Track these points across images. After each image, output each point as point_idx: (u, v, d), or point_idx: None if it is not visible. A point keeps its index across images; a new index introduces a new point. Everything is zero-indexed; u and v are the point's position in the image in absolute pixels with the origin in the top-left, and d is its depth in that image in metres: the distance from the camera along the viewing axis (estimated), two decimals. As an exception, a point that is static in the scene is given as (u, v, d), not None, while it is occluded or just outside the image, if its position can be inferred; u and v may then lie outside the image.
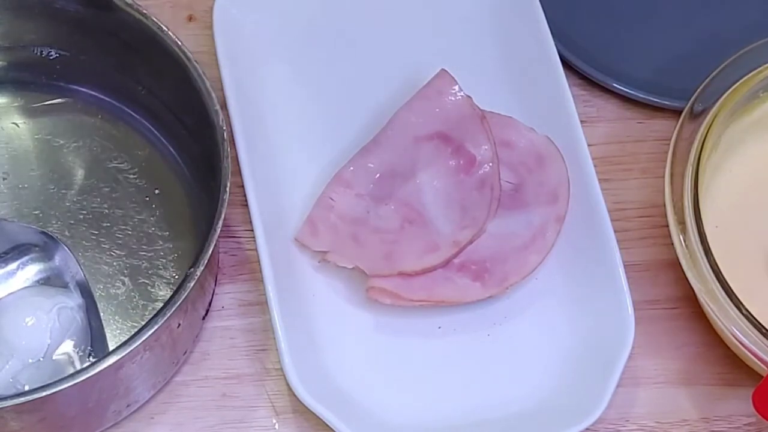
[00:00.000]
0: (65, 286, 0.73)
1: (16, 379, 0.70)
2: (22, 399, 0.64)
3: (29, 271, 0.74)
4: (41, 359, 0.71)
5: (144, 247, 0.77)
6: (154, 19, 0.74)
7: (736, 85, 0.77)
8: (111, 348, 0.71)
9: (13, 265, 0.74)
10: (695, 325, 0.78)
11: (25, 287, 0.73)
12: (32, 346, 0.70)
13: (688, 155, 0.75)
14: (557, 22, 0.83)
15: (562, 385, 0.75)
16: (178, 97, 0.75)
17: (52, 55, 0.79)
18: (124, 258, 0.77)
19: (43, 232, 0.74)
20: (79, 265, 0.74)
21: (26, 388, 0.69)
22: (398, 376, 0.75)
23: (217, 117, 0.71)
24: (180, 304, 0.67)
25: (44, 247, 0.74)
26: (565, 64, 0.83)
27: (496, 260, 0.77)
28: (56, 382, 0.65)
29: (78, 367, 0.71)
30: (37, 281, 0.74)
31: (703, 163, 0.75)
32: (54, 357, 0.71)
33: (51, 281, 0.74)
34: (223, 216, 0.69)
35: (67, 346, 0.71)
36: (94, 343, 0.73)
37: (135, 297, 0.76)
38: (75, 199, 0.78)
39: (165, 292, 0.76)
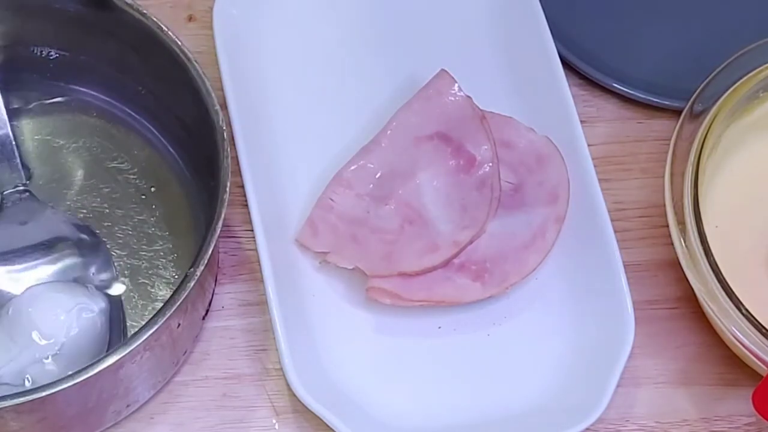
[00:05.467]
0: (96, 286, 0.73)
1: (24, 370, 0.70)
2: (22, 399, 0.64)
3: (62, 266, 0.74)
4: (53, 356, 0.70)
5: (144, 247, 0.77)
6: (154, 19, 0.74)
7: (736, 85, 0.77)
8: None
9: (47, 259, 0.74)
10: (695, 325, 0.78)
11: (51, 282, 0.73)
12: (46, 341, 0.70)
13: (688, 155, 0.75)
14: (557, 22, 0.84)
15: (562, 385, 0.75)
16: (178, 97, 0.75)
17: (51, 55, 0.79)
18: (124, 258, 0.77)
19: (87, 227, 0.74)
20: (115, 269, 0.74)
21: (31, 382, 0.69)
22: (398, 376, 0.75)
23: (217, 117, 0.71)
24: (180, 304, 0.67)
25: (82, 244, 0.74)
26: (565, 64, 0.83)
27: (496, 260, 0.77)
28: (56, 382, 0.65)
29: None
30: (68, 278, 0.74)
31: (703, 163, 0.75)
32: (66, 356, 0.71)
33: (82, 280, 0.74)
34: (223, 216, 0.69)
35: (82, 349, 0.71)
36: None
37: (135, 297, 0.76)
38: (75, 199, 0.78)
39: (165, 292, 0.76)
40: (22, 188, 0.76)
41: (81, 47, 0.78)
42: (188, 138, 0.77)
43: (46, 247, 0.74)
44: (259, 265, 0.75)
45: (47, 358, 0.70)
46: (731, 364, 0.77)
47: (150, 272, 0.77)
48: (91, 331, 0.71)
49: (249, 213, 0.76)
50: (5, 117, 0.77)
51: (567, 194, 0.78)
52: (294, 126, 0.82)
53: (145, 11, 0.74)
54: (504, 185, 0.79)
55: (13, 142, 0.77)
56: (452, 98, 0.80)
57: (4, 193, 0.76)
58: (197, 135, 0.74)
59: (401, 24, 0.85)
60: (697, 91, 0.77)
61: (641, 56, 0.86)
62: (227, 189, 0.70)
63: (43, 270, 0.74)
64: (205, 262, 0.68)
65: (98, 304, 0.72)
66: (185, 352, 0.75)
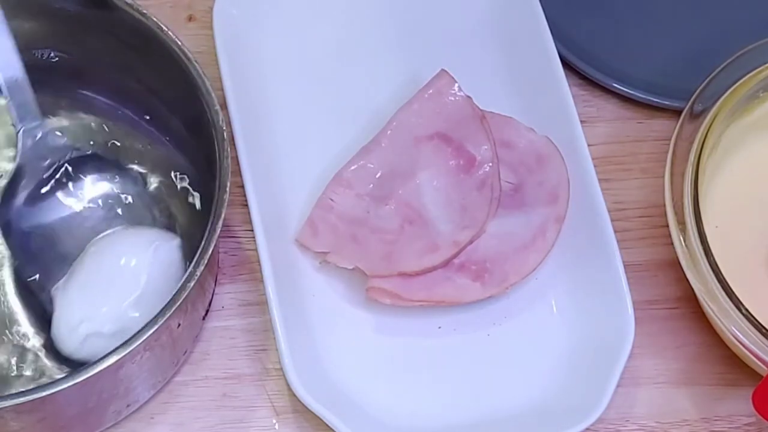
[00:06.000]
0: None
1: (115, 314, 0.71)
2: (22, 399, 0.64)
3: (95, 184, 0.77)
4: (140, 295, 0.71)
5: (144, 247, 0.77)
6: (154, 19, 0.74)
7: (736, 85, 0.77)
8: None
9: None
10: (695, 325, 0.78)
11: (122, 228, 0.75)
12: (129, 284, 0.71)
13: (688, 155, 0.75)
14: (557, 22, 0.84)
15: (562, 385, 0.75)
16: (178, 97, 0.75)
17: (52, 58, 0.79)
18: (124, 258, 0.77)
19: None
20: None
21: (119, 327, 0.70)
22: (398, 376, 0.75)
23: (217, 117, 0.71)
24: (180, 304, 0.67)
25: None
26: (565, 64, 0.83)
27: (496, 260, 0.77)
28: (56, 382, 0.65)
29: None
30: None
31: (703, 163, 0.75)
32: (153, 293, 0.71)
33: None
34: (223, 216, 0.69)
35: (165, 285, 0.72)
36: None
37: (135, 297, 0.76)
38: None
39: (165, 292, 0.76)
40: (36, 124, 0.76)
41: (81, 48, 0.78)
42: (188, 138, 0.77)
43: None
44: (259, 265, 0.75)
45: (135, 298, 0.71)
46: (731, 364, 0.77)
47: (150, 272, 0.77)
48: (173, 268, 0.72)
49: (249, 213, 0.76)
50: (17, 58, 0.75)
51: (567, 194, 0.78)
52: (294, 126, 0.82)
53: (145, 11, 0.74)
54: (504, 185, 0.79)
55: (27, 80, 0.76)
56: (452, 98, 0.80)
57: (24, 129, 0.76)
58: (197, 135, 0.74)
59: (401, 24, 0.85)
60: (697, 91, 0.77)
61: (641, 56, 0.86)
62: (227, 189, 0.70)
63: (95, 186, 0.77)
64: (205, 262, 0.68)
65: (172, 241, 0.73)
66: (185, 352, 0.75)
